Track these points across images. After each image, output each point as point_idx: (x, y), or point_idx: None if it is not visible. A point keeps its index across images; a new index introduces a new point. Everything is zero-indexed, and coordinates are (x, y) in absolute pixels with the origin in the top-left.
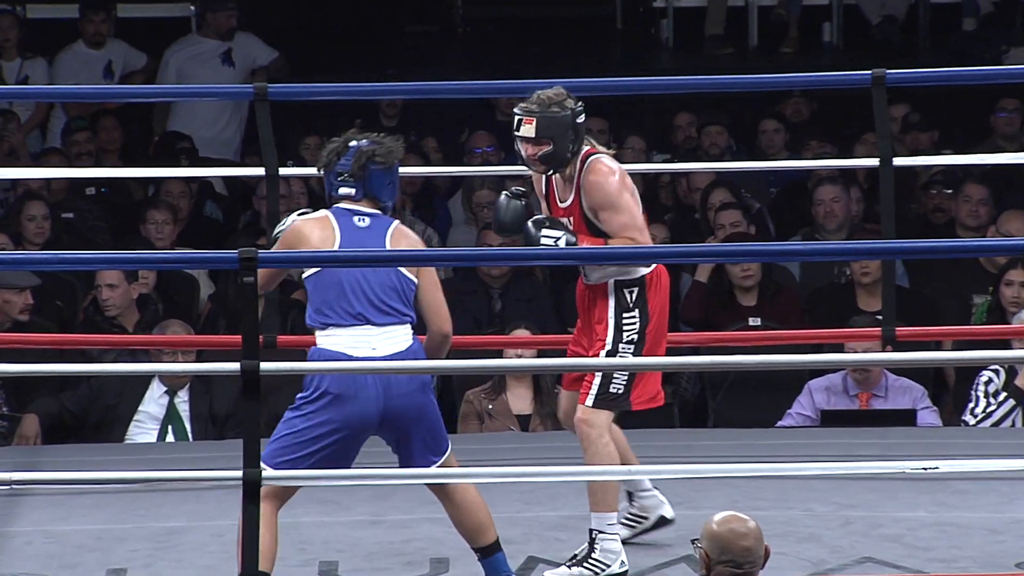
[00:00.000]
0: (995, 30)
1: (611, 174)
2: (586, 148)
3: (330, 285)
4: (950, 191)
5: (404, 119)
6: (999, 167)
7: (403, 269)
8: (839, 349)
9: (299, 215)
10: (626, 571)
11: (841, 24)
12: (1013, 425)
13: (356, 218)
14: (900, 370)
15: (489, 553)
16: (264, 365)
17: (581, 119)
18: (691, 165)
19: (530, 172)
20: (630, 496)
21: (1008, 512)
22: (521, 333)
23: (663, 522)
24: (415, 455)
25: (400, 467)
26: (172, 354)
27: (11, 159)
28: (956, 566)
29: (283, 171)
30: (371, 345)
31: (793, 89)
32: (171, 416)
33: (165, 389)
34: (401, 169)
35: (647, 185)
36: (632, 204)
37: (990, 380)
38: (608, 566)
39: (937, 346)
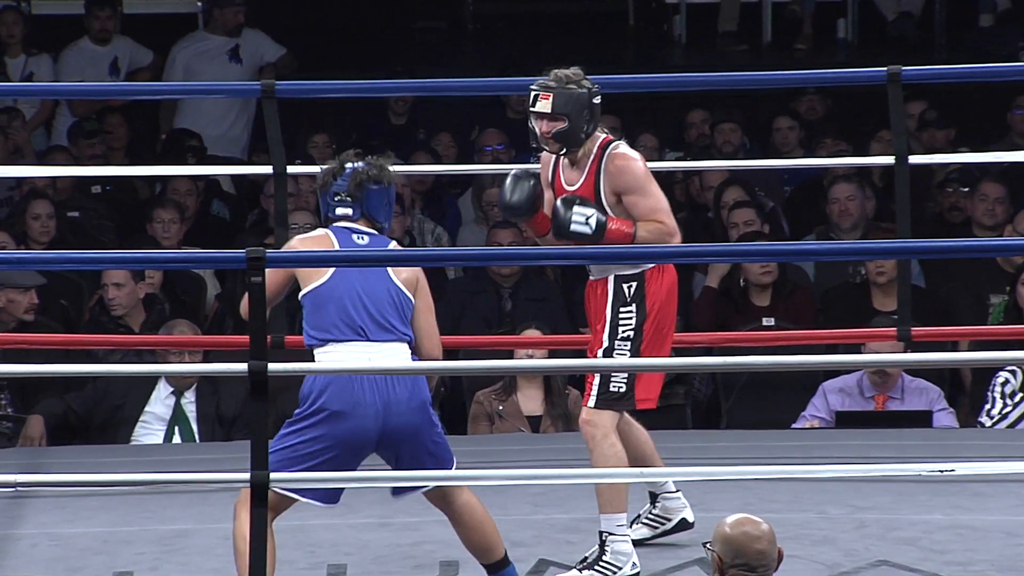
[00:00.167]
0: (1012, 26)
1: (637, 160)
2: (602, 136)
3: (329, 301)
4: (966, 189)
5: (413, 116)
6: (1016, 165)
7: (403, 288)
8: (854, 350)
9: (299, 239)
10: (638, 573)
11: (856, 20)
12: None
13: (355, 236)
14: (916, 371)
15: (498, 569)
16: (272, 366)
17: (598, 100)
18: (704, 163)
19: (536, 168)
20: (654, 497)
21: None
22: (532, 333)
23: (684, 525)
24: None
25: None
26: (179, 354)
27: (16, 157)
28: (973, 569)
29: (291, 169)
30: (370, 360)
31: (807, 86)
32: (177, 417)
33: (171, 390)
34: (411, 167)
35: (660, 183)
36: (658, 189)
37: (1007, 381)
38: (619, 568)
39: (953, 347)
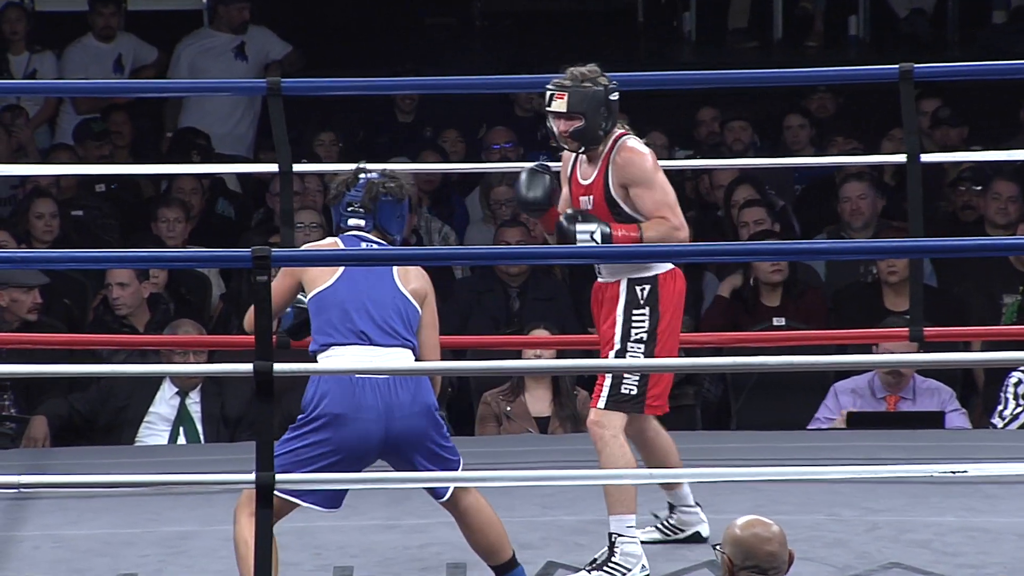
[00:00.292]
0: None
1: (645, 153)
2: (619, 131)
3: (334, 305)
4: (979, 188)
5: (420, 114)
6: None
7: (410, 297)
8: (865, 350)
9: (306, 247)
10: (647, 575)
11: (868, 17)
12: None
13: (364, 244)
14: (928, 372)
15: (506, 570)
16: (277, 366)
17: (615, 96)
18: (714, 162)
19: (555, 165)
20: (672, 508)
21: None
22: (540, 333)
23: (696, 538)
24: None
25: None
26: (183, 354)
27: (19, 155)
28: (985, 572)
29: (297, 168)
30: (374, 365)
31: (819, 84)
32: (182, 418)
33: (176, 390)
34: (418, 165)
35: (669, 181)
36: (666, 183)
37: (1020, 382)
38: (629, 570)
39: (966, 347)
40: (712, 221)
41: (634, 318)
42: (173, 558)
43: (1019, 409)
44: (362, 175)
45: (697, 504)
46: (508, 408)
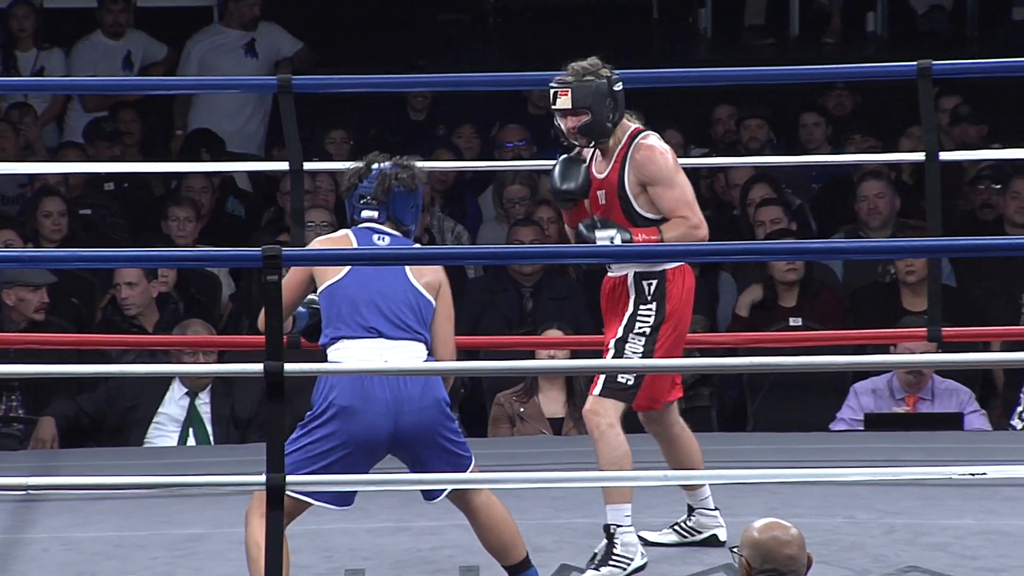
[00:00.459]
0: None
1: (665, 151)
2: (633, 125)
3: (344, 299)
4: (998, 186)
5: (433, 112)
6: None
7: (423, 290)
8: (883, 351)
9: (318, 240)
10: (646, 562)
11: (886, 13)
12: None
13: (376, 236)
14: (947, 372)
15: (518, 571)
16: (288, 366)
17: (619, 87)
18: (731, 160)
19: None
20: (691, 510)
21: None
22: (553, 333)
23: (713, 541)
24: (432, 473)
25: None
26: (193, 355)
27: (27, 153)
28: None
29: (308, 166)
30: (383, 358)
31: (836, 81)
32: (192, 418)
33: (186, 391)
34: (430, 164)
35: None
36: (685, 180)
37: None
38: (631, 560)
39: (985, 347)
40: (728, 220)
41: (640, 312)
42: (182, 561)
43: None
44: (374, 165)
45: (716, 508)
46: (521, 409)
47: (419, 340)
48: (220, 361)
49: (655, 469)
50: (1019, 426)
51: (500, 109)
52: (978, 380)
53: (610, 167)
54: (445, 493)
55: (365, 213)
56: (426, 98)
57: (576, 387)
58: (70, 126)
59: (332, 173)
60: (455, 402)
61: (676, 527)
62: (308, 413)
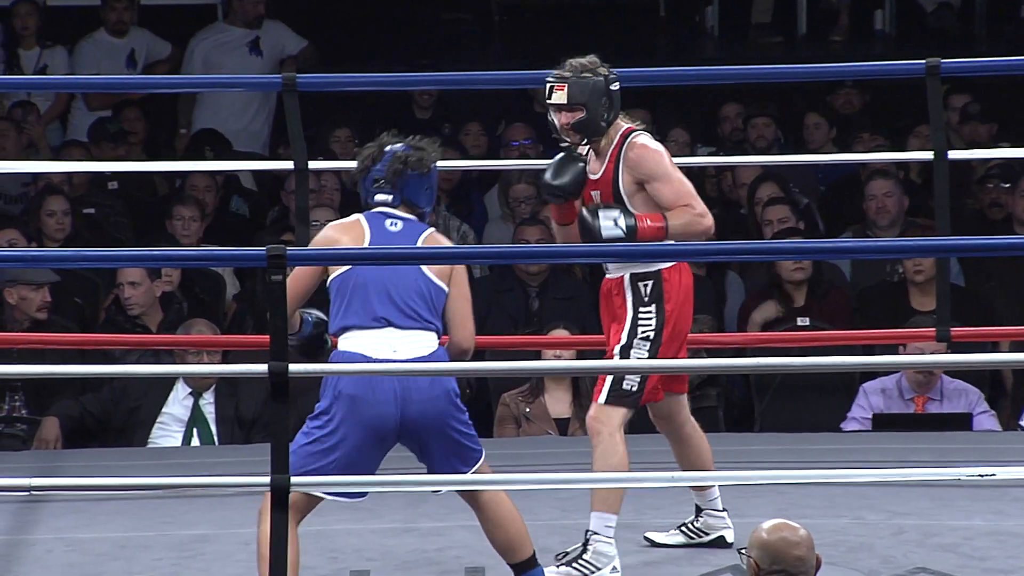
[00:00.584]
0: None
1: (657, 149)
2: (625, 125)
3: (354, 288)
4: (1007, 185)
5: (438, 111)
6: None
7: (434, 277)
8: (891, 351)
9: (330, 225)
10: None
11: (894, 11)
12: None
13: (388, 221)
14: (956, 373)
15: (524, 569)
16: (293, 367)
17: (615, 86)
18: (738, 159)
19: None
20: (698, 511)
21: None
22: (560, 333)
23: (720, 542)
24: (442, 464)
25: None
26: (197, 355)
27: (30, 152)
28: None
29: (312, 165)
30: (392, 347)
31: (844, 79)
32: (196, 418)
33: (190, 391)
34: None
35: (691, 179)
36: (681, 174)
37: None
38: (597, 569)
39: (994, 347)
40: (735, 219)
41: (641, 315)
42: (188, 562)
43: None
44: (387, 147)
45: (724, 509)
46: (527, 409)
47: (429, 329)
48: (224, 361)
49: (662, 470)
50: None
51: (506, 107)
52: (987, 380)
53: (604, 167)
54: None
55: (379, 197)
56: (432, 96)
57: (582, 387)
58: (74, 125)
59: (337, 172)
60: (460, 401)
61: (683, 528)
62: (317, 404)
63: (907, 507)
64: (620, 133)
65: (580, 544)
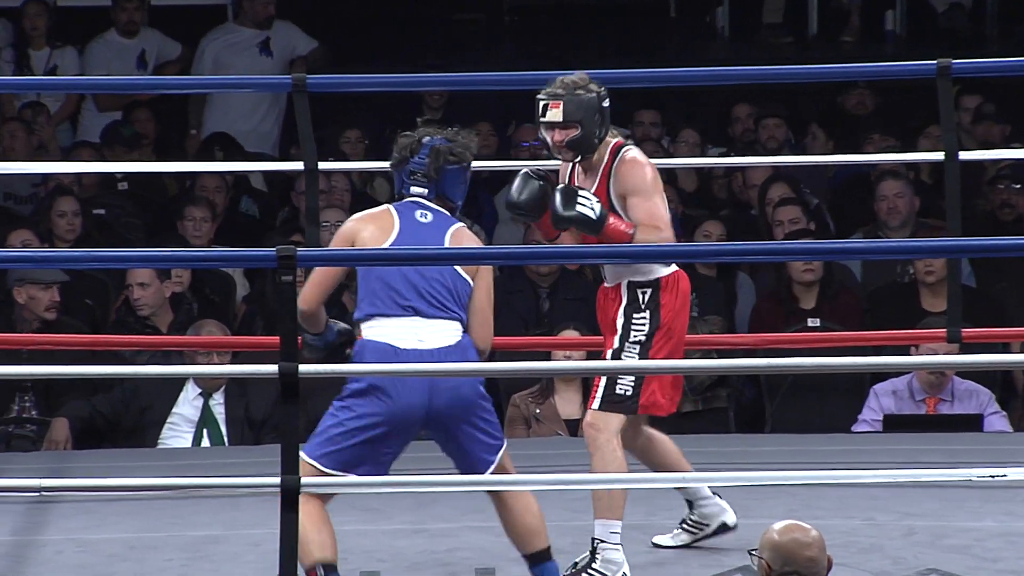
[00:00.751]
0: None
1: (647, 165)
2: (615, 140)
3: (381, 275)
4: (1018, 186)
5: (449, 111)
6: None
7: (460, 270)
8: (902, 352)
9: (356, 217)
10: None
11: (905, 12)
12: None
13: (419, 212)
14: (967, 374)
15: (538, 561)
16: (303, 367)
17: (606, 103)
18: (749, 159)
19: (548, 166)
20: (690, 505)
21: None
22: (570, 334)
23: (724, 529)
24: (467, 452)
25: (455, 466)
26: (207, 355)
27: (41, 153)
28: None
29: (323, 165)
30: (418, 336)
31: (854, 80)
32: (206, 419)
33: (200, 391)
34: None
35: (701, 180)
36: (663, 198)
37: None
38: None
39: (1005, 348)
40: (746, 220)
41: (634, 320)
42: (197, 563)
43: None
44: (426, 139)
45: (716, 494)
46: (537, 410)
47: (455, 319)
48: (234, 362)
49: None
50: None
51: (516, 108)
52: (998, 381)
53: (597, 182)
54: (490, 470)
55: (414, 189)
56: (442, 97)
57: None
58: (84, 125)
59: (347, 173)
60: None
61: (684, 525)
62: (345, 387)
63: (918, 508)
64: (610, 148)
65: (587, 553)
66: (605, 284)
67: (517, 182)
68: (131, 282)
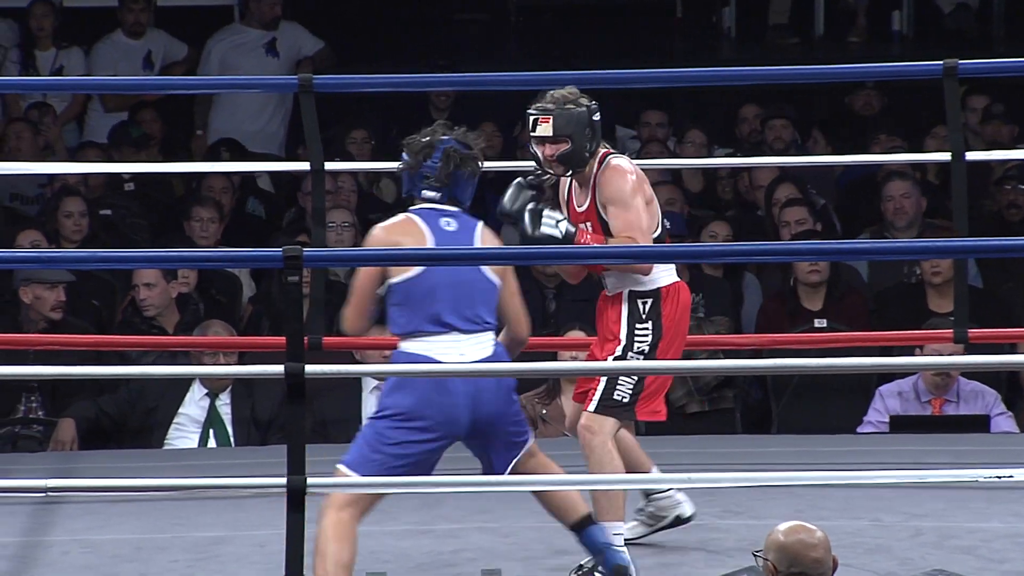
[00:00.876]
0: None
1: (629, 173)
2: (603, 150)
3: (419, 294)
4: None
5: (455, 111)
6: None
7: (489, 273)
8: (908, 352)
9: (381, 227)
10: None
11: (912, 12)
12: None
13: (443, 220)
14: (973, 374)
15: (583, 526)
16: (309, 368)
17: (597, 116)
18: (755, 160)
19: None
20: (647, 496)
21: None
22: (576, 335)
23: (679, 522)
24: (498, 454)
25: (482, 468)
26: (213, 356)
27: (47, 153)
28: None
29: (329, 166)
30: (459, 351)
31: (861, 80)
32: (212, 419)
33: (206, 391)
34: None
35: (708, 180)
36: (641, 208)
37: None
38: None
39: (1012, 349)
40: (753, 221)
41: (637, 331)
42: (203, 564)
43: None
44: (439, 144)
45: (667, 489)
46: (544, 411)
47: (488, 329)
48: (241, 362)
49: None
50: None
51: (522, 108)
52: (1004, 382)
53: (588, 197)
54: (511, 464)
55: (427, 193)
56: (449, 97)
57: None
58: (90, 126)
59: (354, 173)
60: None
61: (640, 516)
62: (384, 401)
63: (924, 509)
64: (599, 159)
65: (593, 556)
66: (606, 293)
67: (510, 191)
68: (137, 282)
